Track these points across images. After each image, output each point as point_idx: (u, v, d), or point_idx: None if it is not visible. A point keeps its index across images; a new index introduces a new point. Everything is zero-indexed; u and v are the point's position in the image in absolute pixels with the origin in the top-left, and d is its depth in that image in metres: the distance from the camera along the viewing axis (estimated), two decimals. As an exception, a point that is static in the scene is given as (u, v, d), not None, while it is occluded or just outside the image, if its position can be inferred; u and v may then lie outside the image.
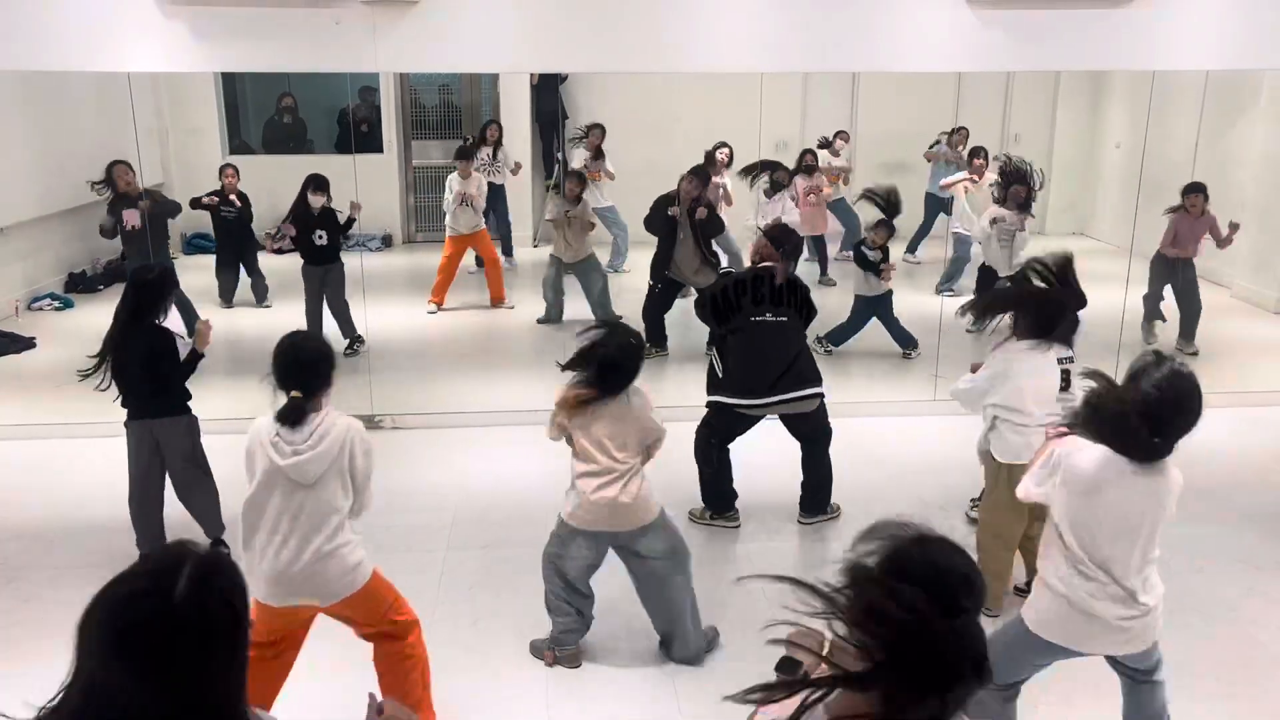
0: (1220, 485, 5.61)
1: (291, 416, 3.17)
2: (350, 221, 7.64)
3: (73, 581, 4.67)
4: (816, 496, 5.28)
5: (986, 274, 7.95)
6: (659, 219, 7.74)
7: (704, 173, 7.94)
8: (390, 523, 5.21)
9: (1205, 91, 8.54)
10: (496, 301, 9.19)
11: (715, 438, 5.15)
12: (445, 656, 4.06)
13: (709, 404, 5.16)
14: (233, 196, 8.58)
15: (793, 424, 5.19)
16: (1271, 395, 7.02)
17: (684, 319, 7.90)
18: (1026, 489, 3.13)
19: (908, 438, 6.39)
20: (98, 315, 8.74)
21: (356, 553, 3.29)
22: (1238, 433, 6.40)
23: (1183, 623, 4.31)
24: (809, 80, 10.52)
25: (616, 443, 3.82)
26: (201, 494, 4.80)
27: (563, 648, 4.03)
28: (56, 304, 9.09)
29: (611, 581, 4.40)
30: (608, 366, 3.81)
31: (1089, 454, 2.92)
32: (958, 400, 4.51)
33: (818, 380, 5.08)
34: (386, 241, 11.28)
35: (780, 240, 5.26)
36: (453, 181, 8.97)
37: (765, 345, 5.02)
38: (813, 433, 5.19)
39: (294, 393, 3.19)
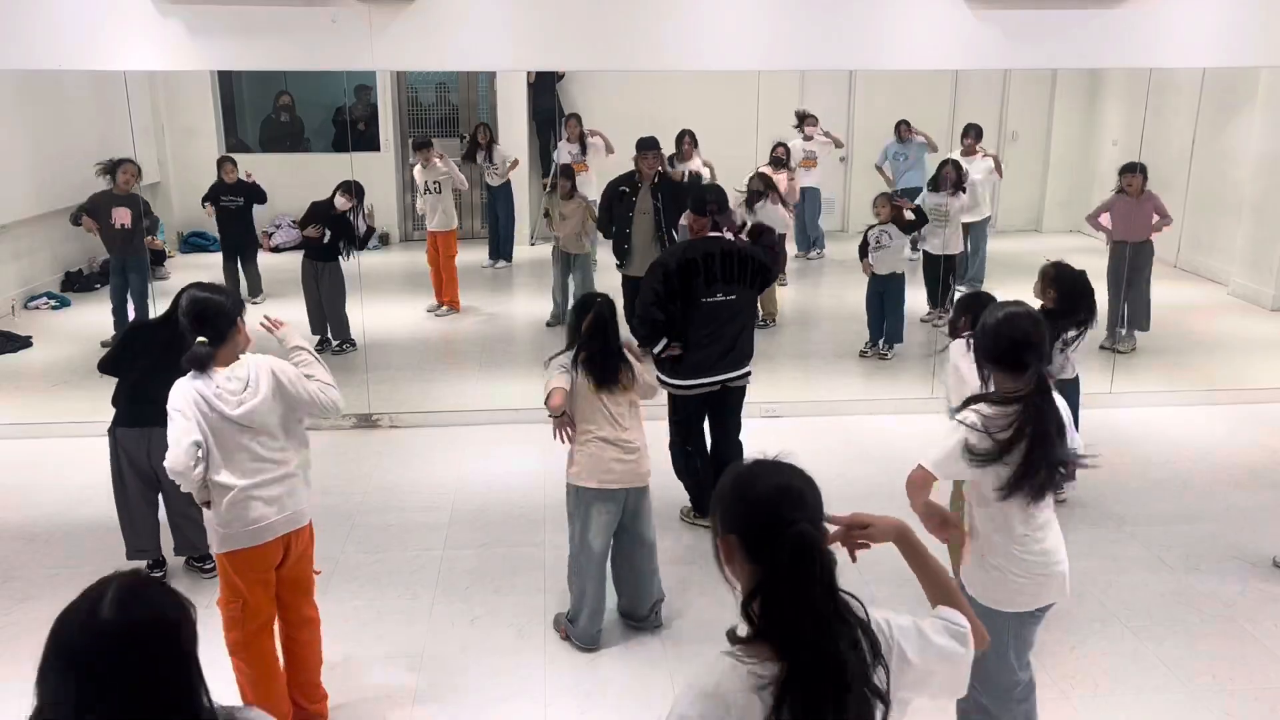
0: (1216, 482, 5.59)
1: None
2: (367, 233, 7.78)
3: (70, 581, 4.66)
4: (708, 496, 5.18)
5: (931, 262, 8.28)
6: (613, 207, 7.34)
7: (655, 143, 7.43)
8: (388, 521, 5.23)
9: (1202, 89, 8.55)
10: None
11: (689, 444, 5.08)
12: (443, 655, 4.07)
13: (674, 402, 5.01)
14: (232, 187, 8.57)
15: (719, 399, 5.05)
16: (1267, 392, 7.02)
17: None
18: None
19: (905, 435, 6.39)
20: (94, 314, 8.77)
21: None
22: (1233, 430, 6.42)
23: (1179, 620, 4.33)
24: (806, 79, 10.51)
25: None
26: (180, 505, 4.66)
27: None
28: (53, 303, 9.09)
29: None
30: None
31: None
32: None
33: (750, 360, 5.06)
34: (384, 240, 11.27)
35: (707, 203, 4.95)
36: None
37: (716, 326, 4.89)
38: (734, 413, 5.12)
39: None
